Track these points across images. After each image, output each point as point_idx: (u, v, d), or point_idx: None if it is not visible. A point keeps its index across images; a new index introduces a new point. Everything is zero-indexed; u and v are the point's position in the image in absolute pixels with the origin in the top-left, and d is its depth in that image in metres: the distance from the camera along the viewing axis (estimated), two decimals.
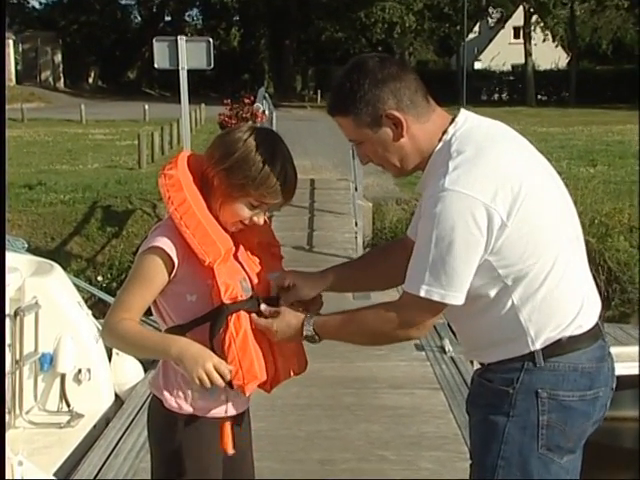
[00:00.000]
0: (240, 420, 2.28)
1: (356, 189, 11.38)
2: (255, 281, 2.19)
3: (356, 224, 10.81)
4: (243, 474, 2.35)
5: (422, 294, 1.95)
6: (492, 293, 2.01)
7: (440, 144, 2.06)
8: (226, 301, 2.07)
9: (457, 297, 1.97)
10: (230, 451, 2.14)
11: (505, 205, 1.93)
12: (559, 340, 2.02)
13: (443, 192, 1.93)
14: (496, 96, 48.34)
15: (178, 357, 2.04)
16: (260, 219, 2.17)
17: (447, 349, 6.13)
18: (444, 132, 2.07)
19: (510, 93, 48.17)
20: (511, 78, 49.57)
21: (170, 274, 2.09)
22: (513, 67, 50.81)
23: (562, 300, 2.03)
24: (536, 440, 2.03)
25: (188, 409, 2.16)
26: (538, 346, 2.02)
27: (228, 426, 2.15)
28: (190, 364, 2.02)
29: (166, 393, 2.17)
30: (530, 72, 43.85)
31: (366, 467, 4.25)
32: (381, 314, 2.03)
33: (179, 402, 2.16)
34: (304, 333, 2.11)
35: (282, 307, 2.16)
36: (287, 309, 2.15)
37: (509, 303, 2.01)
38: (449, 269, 1.93)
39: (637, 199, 12.23)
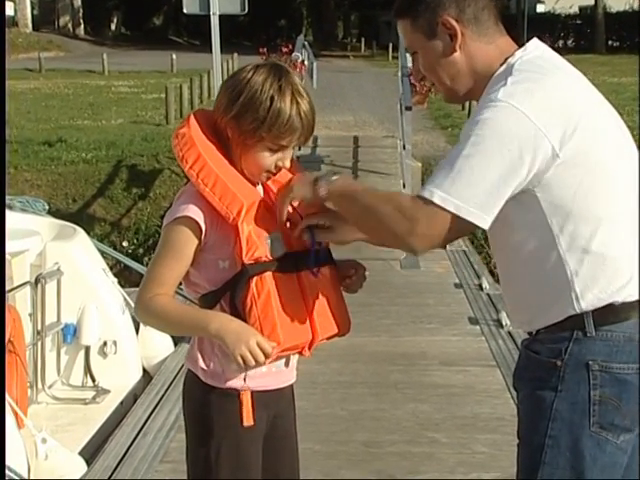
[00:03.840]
0: (282, 396, 2.31)
1: (404, 147, 11.32)
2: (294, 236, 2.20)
3: (404, 186, 10.77)
4: (286, 454, 2.38)
5: (436, 200, 1.89)
6: (537, 240, 2.00)
7: (503, 67, 2.06)
8: (247, 262, 2.09)
9: (477, 215, 1.90)
10: (247, 422, 2.17)
11: (559, 134, 1.91)
12: (611, 305, 1.99)
13: (494, 102, 1.92)
14: (561, 43, 47.39)
15: (218, 334, 2.07)
16: (286, 163, 2.18)
17: (504, 323, 6.12)
18: (509, 56, 2.07)
19: (577, 39, 47.25)
20: (578, 22, 48.57)
21: (200, 242, 2.12)
22: (581, 9, 49.78)
23: (615, 257, 2.00)
24: (587, 417, 2.00)
25: (227, 384, 2.19)
26: (584, 306, 1.99)
27: (248, 395, 2.17)
28: (232, 342, 2.05)
29: (203, 367, 2.21)
30: (600, 15, 42.95)
31: (415, 450, 4.28)
32: (397, 203, 1.96)
33: (217, 377, 2.20)
34: (322, 178, 2.09)
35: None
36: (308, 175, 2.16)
37: (554, 253, 1.99)
38: (475, 180, 1.89)
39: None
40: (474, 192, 1.89)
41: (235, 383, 2.19)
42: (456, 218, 1.90)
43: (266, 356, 2.07)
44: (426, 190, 1.92)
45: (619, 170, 2.03)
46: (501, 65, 2.07)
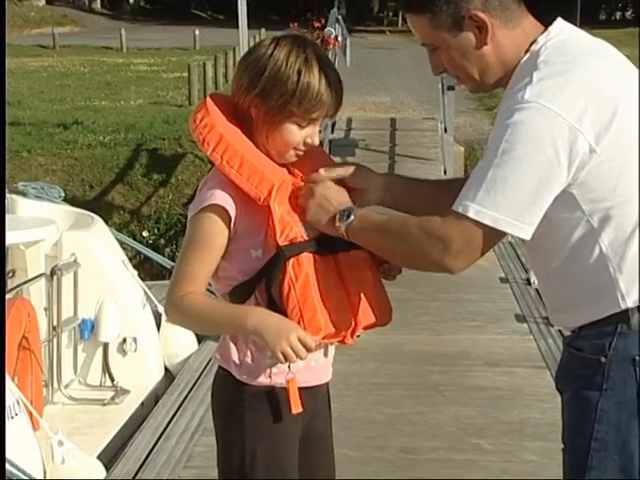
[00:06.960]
0: (319, 395, 2.33)
1: (445, 130, 11.32)
2: None
3: (445, 171, 10.76)
4: (321, 457, 2.40)
5: (470, 214, 1.90)
6: (577, 238, 2.00)
7: (527, 55, 2.05)
8: (282, 243, 2.11)
9: (516, 226, 1.91)
10: (296, 410, 2.18)
11: (595, 127, 1.90)
12: None
13: (522, 104, 1.92)
14: (618, 15, 47.00)
15: (256, 331, 2.09)
16: (315, 139, 2.21)
17: None
18: (533, 42, 2.06)
19: (636, 10, 46.70)
20: None
21: (230, 230, 2.14)
22: None
23: None
24: (637, 417, 2.00)
25: (262, 381, 2.21)
26: (630, 303, 1.99)
27: (295, 382, 2.19)
28: (272, 338, 2.06)
29: (236, 364, 2.23)
30: None
31: (457, 457, 4.29)
32: (424, 226, 1.98)
33: (252, 373, 2.22)
34: (339, 218, 2.10)
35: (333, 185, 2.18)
36: (341, 188, 2.16)
37: (596, 250, 1.99)
38: (510, 190, 1.89)
39: None
40: (511, 202, 1.90)
41: (273, 379, 2.21)
42: (493, 231, 1.92)
43: (308, 351, 2.08)
44: (459, 205, 1.93)
45: None
46: (526, 52, 2.05)
